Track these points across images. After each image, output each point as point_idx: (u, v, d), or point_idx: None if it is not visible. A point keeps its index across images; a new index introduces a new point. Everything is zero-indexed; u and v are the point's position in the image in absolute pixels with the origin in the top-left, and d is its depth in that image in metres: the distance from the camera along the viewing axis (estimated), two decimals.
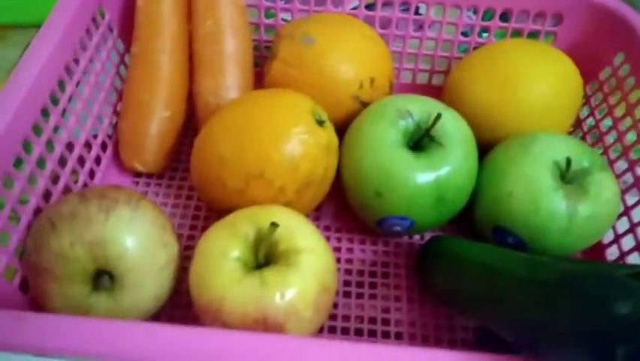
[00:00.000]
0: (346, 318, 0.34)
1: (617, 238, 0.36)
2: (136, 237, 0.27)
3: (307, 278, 0.27)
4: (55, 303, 0.27)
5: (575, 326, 0.19)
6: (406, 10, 0.41)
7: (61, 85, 0.34)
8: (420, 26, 0.43)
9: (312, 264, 0.27)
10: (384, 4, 0.41)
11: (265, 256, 0.28)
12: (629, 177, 0.36)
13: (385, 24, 0.42)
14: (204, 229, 0.35)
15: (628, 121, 0.37)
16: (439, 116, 0.31)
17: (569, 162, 0.32)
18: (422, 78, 0.45)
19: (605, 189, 0.32)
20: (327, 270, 0.28)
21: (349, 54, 0.36)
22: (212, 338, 0.23)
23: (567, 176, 0.32)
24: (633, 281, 0.20)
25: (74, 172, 0.35)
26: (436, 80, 0.45)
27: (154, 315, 0.30)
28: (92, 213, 0.27)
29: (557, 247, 0.32)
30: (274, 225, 0.27)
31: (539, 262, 0.23)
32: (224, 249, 0.27)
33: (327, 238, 0.38)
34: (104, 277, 0.27)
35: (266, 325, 0.26)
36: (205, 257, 0.28)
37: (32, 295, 0.29)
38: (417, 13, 0.42)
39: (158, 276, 0.28)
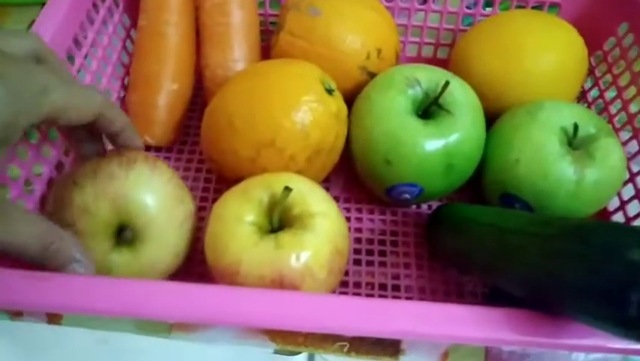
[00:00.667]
0: (357, 285, 0.35)
1: (623, 205, 0.37)
2: (155, 192, 0.28)
3: (321, 241, 0.27)
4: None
5: (587, 274, 0.20)
6: None
7: (70, 58, 0.34)
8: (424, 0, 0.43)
9: (325, 227, 0.28)
10: None
11: (279, 221, 0.28)
12: (634, 146, 0.37)
13: None
14: (214, 200, 0.35)
15: (632, 90, 0.38)
16: (447, 84, 0.32)
17: (576, 127, 0.32)
18: (427, 51, 0.46)
19: (611, 154, 0.32)
20: (340, 233, 0.29)
21: (356, 25, 0.36)
22: (231, 295, 0.23)
23: (574, 142, 0.33)
24: None
25: None
26: (441, 54, 0.45)
27: (172, 273, 0.30)
28: (113, 169, 0.27)
29: (564, 212, 0.32)
30: (288, 189, 0.27)
31: (548, 220, 0.24)
32: (238, 213, 0.28)
33: None
34: (127, 230, 0.27)
35: (282, 285, 0.26)
36: (220, 222, 0.28)
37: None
38: None
39: (177, 232, 0.29)
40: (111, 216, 0.27)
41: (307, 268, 0.27)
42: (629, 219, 0.36)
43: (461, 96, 0.33)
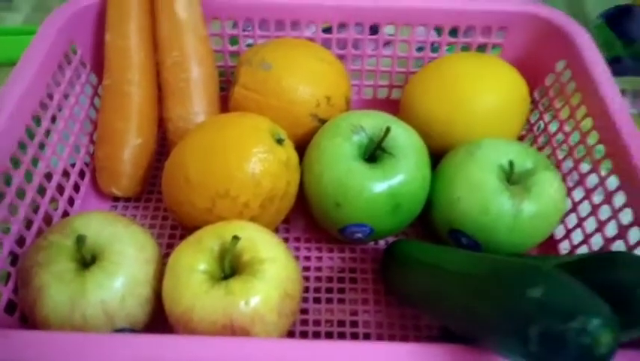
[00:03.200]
0: (317, 322, 0.36)
1: (568, 233, 0.39)
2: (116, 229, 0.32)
3: (270, 286, 0.29)
4: (50, 290, 0.29)
5: (498, 310, 0.22)
6: (361, 31, 0.44)
7: (37, 120, 0.36)
8: (376, 45, 0.45)
9: (274, 273, 0.29)
10: (340, 26, 0.44)
11: (231, 268, 0.30)
12: (575, 175, 0.39)
13: (343, 45, 0.45)
14: None
15: (572, 122, 0.40)
16: (388, 130, 0.34)
17: (511, 164, 0.34)
18: (382, 93, 0.48)
19: (548, 187, 0.34)
20: (289, 278, 0.30)
21: (305, 76, 0.38)
22: (183, 344, 0.25)
23: (512, 177, 0.35)
24: (552, 270, 0.22)
25: (54, 200, 0.38)
26: (396, 94, 0.48)
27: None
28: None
29: (507, 244, 0.34)
30: (236, 238, 0.29)
31: (474, 258, 0.26)
32: (191, 263, 0.30)
33: (298, 249, 0.40)
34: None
35: (233, 330, 0.28)
36: (174, 272, 0.30)
37: (24, 309, 0.31)
38: (372, 33, 0.45)
39: (137, 259, 0.31)
40: (71, 246, 0.31)
41: (257, 313, 0.28)
42: (573, 247, 0.38)
43: (404, 139, 0.35)
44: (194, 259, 0.30)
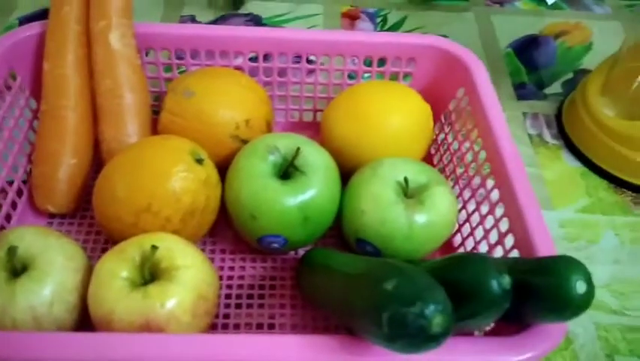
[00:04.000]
0: (237, 326, 0.40)
1: (463, 241, 0.43)
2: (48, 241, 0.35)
3: (184, 289, 0.32)
4: None
5: (362, 301, 0.26)
6: (285, 60, 0.49)
7: None
8: (299, 73, 0.50)
9: (188, 277, 0.33)
10: (266, 56, 0.48)
11: (150, 274, 0.34)
12: (469, 189, 0.44)
13: (269, 73, 0.50)
14: None
15: (467, 143, 0.45)
16: (298, 150, 0.38)
17: (406, 180, 0.39)
18: (307, 116, 0.53)
19: (440, 200, 0.39)
20: (204, 281, 0.34)
21: (224, 101, 0.43)
22: (96, 341, 0.28)
23: (408, 192, 0.39)
24: (408, 268, 0.26)
25: None
26: (320, 117, 0.52)
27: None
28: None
29: (404, 251, 0.39)
30: (154, 247, 0.33)
31: (356, 260, 0.30)
32: (113, 270, 0.33)
33: (223, 260, 0.43)
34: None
35: (149, 330, 0.31)
36: (98, 278, 0.33)
37: None
38: (296, 62, 0.49)
39: (65, 267, 0.34)
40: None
41: (171, 314, 0.32)
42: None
43: (315, 159, 0.40)
44: (117, 267, 0.33)
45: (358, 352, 0.28)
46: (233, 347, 0.28)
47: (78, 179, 0.43)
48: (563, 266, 0.27)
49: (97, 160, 0.45)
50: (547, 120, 0.57)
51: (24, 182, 0.45)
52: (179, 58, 0.49)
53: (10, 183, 0.43)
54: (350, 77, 0.50)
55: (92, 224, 0.44)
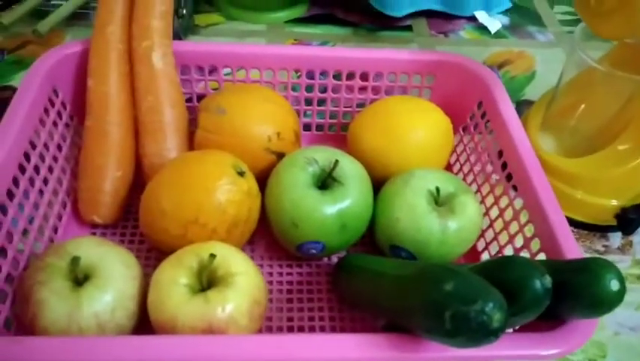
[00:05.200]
0: (280, 328, 0.42)
1: (487, 245, 0.46)
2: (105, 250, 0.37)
3: (241, 294, 0.35)
4: (50, 304, 0.34)
5: (422, 301, 0.28)
6: (311, 77, 0.51)
7: (27, 156, 0.41)
8: (325, 89, 0.53)
9: (244, 283, 0.35)
10: (296, 71, 0.51)
11: (208, 281, 0.36)
12: (491, 197, 0.47)
13: (297, 88, 0.52)
14: (155, 268, 0.42)
15: (486, 154, 0.48)
16: (336, 162, 0.41)
17: (437, 190, 0.42)
18: (333, 129, 0.55)
19: (467, 207, 0.42)
20: (257, 286, 0.36)
21: (255, 116, 0.45)
22: (173, 343, 0.30)
23: (439, 200, 0.42)
24: (461, 270, 0.29)
25: (41, 227, 0.42)
26: (344, 130, 0.55)
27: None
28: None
29: (437, 255, 0.41)
30: (212, 255, 0.35)
31: (404, 264, 0.32)
32: (173, 278, 0.35)
33: (262, 266, 0.46)
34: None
35: (212, 333, 0.33)
36: (158, 285, 0.35)
37: (23, 323, 0.35)
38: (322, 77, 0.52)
39: (125, 276, 0.36)
40: (66, 267, 0.36)
41: (231, 318, 0.34)
42: (491, 257, 0.45)
43: (350, 170, 0.42)
44: (176, 274, 0.35)
45: (411, 348, 0.31)
46: (298, 347, 0.30)
47: (122, 191, 0.45)
48: (598, 266, 0.30)
49: (138, 173, 0.47)
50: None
51: (67, 195, 0.47)
52: (211, 74, 0.51)
53: (55, 195, 0.45)
54: (374, 92, 0.53)
55: (133, 233, 0.46)
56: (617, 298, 0.30)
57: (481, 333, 0.26)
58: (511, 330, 0.38)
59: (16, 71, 0.62)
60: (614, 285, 0.30)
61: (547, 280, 0.30)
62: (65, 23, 0.63)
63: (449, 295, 0.27)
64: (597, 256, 0.47)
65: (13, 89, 0.59)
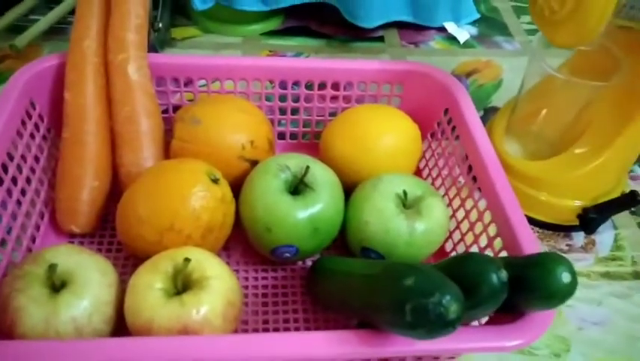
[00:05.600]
0: (255, 330, 0.43)
1: (455, 246, 0.48)
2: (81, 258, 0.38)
3: (215, 297, 0.36)
4: (28, 311, 0.35)
5: (385, 296, 0.30)
6: (284, 87, 0.53)
7: (4, 168, 0.42)
8: (297, 98, 0.54)
9: (218, 286, 0.36)
10: (270, 82, 0.53)
11: (183, 285, 0.37)
12: (458, 200, 0.49)
13: (271, 98, 0.54)
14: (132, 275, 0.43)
15: (453, 158, 0.50)
16: (307, 168, 0.42)
17: (405, 193, 0.44)
18: (306, 137, 0.57)
19: (434, 209, 0.44)
20: (231, 290, 0.37)
21: (229, 126, 0.47)
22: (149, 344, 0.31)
23: (406, 203, 0.44)
24: (422, 267, 0.31)
25: (19, 237, 0.43)
26: (317, 138, 0.57)
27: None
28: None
29: (406, 256, 0.43)
30: (187, 260, 0.36)
31: (371, 264, 0.34)
32: (149, 282, 0.36)
33: (237, 270, 0.47)
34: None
35: (187, 334, 0.34)
36: (135, 290, 0.36)
37: (2, 329, 0.35)
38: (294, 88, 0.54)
39: (101, 282, 0.37)
40: (43, 274, 0.36)
41: (205, 319, 0.35)
42: None
43: (322, 176, 0.44)
44: (152, 279, 0.36)
45: (379, 342, 0.32)
46: (270, 345, 0.32)
47: (99, 200, 0.46)
48: (549, 260, 0.32)
49: (114, 183, 0.48)
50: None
51: (45, 205, 0.47)
52: (186, 85, 0.52)
53: (32, 206, 0.46)
54: (345, 100, 0.55)
55: (111, 242, 0.47)
56: (569, 289, 0.32)
57: (438, 324, 0.28)
58: (477, 324, 0.40)
59: None
60: (566, 277, 0.32)
61: (503, 274, 0.32)
62: (42, 38, 0.64)
63: (409, 289, 0.29)
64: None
65: None
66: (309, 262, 0.48)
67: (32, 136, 0.46)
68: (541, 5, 0.43)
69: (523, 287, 0.33)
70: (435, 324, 0.28)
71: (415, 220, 0.43)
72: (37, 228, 0.46)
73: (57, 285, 0.37)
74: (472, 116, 0.49)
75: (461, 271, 0.32)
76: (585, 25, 0.41)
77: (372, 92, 0.55)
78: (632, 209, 0.56)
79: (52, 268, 0.36)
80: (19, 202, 0.43)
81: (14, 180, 0.43)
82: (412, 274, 0.30)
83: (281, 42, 0.73)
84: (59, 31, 0.65)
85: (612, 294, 0.50)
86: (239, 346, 0.32)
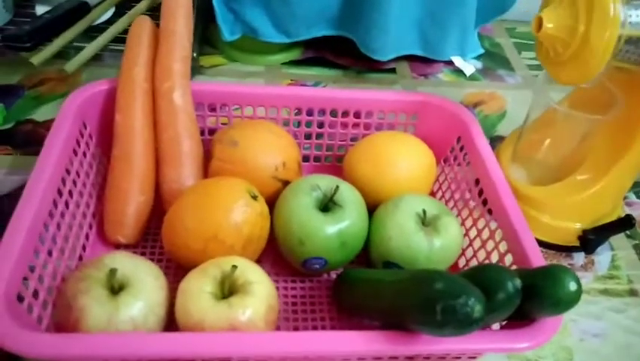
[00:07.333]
0: None
1: (467, 262, 0.53)
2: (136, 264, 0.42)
3: (258, 300, 0.40)
4: (92, 310, 0.38)
5: (418, 297, 0.34)
6: (310, 114, 0.58)
7: (64, 182, 0.46)
8: (322, 124, 0.59)
9: (261, 291, 0.41)
10: (296, 110, 0.58)
11: (229, 289, 0.41)
12: (470, 220, 0.53)
13: (299, 124, 0.59)
14: (173, 282, 0.47)
15: (463, 183, 0.55)
16: (337, 188, 0.47)
17: (424, 211, 0.48)
18: (329, 160, 0.62)
19: (450, 227, 0.48)
20: (271, 295, 0.42)
21: (264, 148, 0.51)
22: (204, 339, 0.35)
23: (425, 221, 0.49)
24: (448, 273, 0.35)
25: (73, 246, 0.47)
26: (339, 162, 0.61)
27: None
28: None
29: None
30: (234, 266, 0.40)
31: (399, 272, 0.39)
32: (200, 286, 0.40)
33: None
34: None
35: None
36: (186, 293, 0.40)
37: (66, 327, 0.39)
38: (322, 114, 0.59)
39: (154, 286, 0.41)
40: (104, 277, 0.40)
41: (250, 320, 0.39)
42: None
43: (348, 195, 0.49)
44: (202, 283, 0.41)
45: (408, 341, 0.36)
46: (312, 342, 0.36)
47: (144, 214, 0.50)
48: (558, 271, 0.37)
49: (156, 199, 0.52)
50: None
51: (94, 217, 0.52)
52: (222, 110, 0.57)
53: (84, 217, 0.50)
54: (365, 127, 0.60)
55: (152, 253, 0.51)
56: (575, 297, 0.36)
57: (465, 322, 0.32)
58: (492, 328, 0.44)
59: (36, 106, 0.67)
60: (572, 286, 0.36)
61: (517, 282, 0.36)
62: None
63: (440, 291, 0.33)
64: None
65: (34, 123, 0.65)
66: (333, 275, 0.52)
67: (84, 154, 0.51)
68: (547, 48, 0.48)
69: (535, 294, 0.37)
70: (462, 322, 0.32)
71: (433, 237, 0.47)
72: (87, 238, 0.50)
73: (116, 287, 0.41)
74: (482, 143, 0.54)
75: (481, 279, 0.36)
76: (586, 66, 0.46)
77: (389, 120, 0.60)
78: (628, 232, 0.61)
79: (112, 272, 0.40)
80: (73, 214, 0.48)
81: (70, 193, 0.47)
82: (440, 279, 0.34)
83: (301, 71, 0.79)
84: (97, 57, 0.70)
85: (610, 309, 0.54)
86: (279, 341, 0.36)
